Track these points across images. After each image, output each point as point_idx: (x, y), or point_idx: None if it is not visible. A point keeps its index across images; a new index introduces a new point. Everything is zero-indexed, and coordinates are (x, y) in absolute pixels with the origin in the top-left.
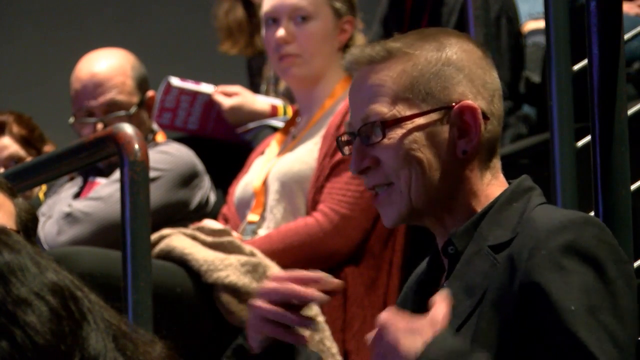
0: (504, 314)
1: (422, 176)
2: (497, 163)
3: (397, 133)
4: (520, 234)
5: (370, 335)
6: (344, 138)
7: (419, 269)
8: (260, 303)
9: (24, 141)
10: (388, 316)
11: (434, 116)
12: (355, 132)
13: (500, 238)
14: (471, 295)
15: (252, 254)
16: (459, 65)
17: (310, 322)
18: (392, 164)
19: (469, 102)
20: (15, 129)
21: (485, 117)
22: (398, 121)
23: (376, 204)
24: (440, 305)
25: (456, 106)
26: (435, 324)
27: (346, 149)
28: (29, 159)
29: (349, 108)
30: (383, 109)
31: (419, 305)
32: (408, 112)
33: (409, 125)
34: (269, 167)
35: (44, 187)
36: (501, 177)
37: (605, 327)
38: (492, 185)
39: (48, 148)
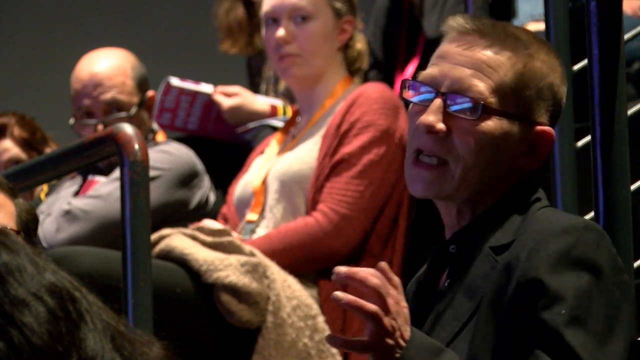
0: (500, 314)
1: (480, 171)
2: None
3: (486, 121)
4: (521, 236)
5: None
6: (418, 83)
7: (419, 273)
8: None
9: (25, 144)
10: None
11: (518, 123)
12: (441, 91)
13: (501, 240)
14: (471, 297)
15: (251, 254)
16: (554, 91)
17: None
18: (464, 145)
19: (552, 130)
20: (17, 131)
21: None
22: (496, 111)
23: (416, 169)
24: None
25: (540, 128)
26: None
27: (410, 93)
28: None
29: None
30: (486, 91)
31: (419, 305)
32: (499, 106)
33: (498, 120)
34: (269, 166)
35: (45, 188)
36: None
37: (594, 334)
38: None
39: (50, 150)
